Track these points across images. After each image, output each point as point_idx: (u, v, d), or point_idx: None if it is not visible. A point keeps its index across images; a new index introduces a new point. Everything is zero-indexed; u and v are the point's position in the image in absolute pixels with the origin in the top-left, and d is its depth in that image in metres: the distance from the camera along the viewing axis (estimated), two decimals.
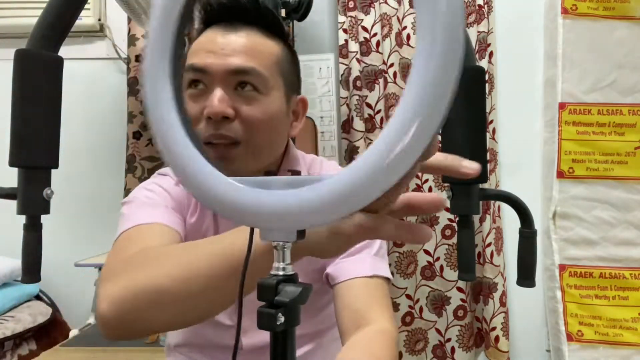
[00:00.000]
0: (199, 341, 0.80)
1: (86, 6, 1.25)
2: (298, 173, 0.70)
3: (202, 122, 0.65)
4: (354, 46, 1.60)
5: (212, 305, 0.50)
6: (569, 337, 1.52)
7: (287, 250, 0.37)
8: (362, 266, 0.72)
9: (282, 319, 0.33)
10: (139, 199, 0.71)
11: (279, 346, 0.35)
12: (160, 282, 0.48)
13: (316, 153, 1.54)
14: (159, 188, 0.74)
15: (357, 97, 1.60)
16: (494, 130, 1.63)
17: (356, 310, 0.69)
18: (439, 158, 0.38)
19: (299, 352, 0.74)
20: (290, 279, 0.35)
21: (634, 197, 1.54)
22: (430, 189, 1.62)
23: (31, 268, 0.56)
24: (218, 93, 0.64)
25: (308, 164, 0.83)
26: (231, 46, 0.67)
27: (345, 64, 1.62)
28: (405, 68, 1.61)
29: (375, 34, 1.61)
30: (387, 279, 0.74)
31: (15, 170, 0.55)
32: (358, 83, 1.60)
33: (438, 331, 1.63)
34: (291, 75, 0.73)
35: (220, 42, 0.67)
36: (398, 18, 1.62)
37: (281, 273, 0.36)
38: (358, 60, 1.60)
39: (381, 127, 1.60)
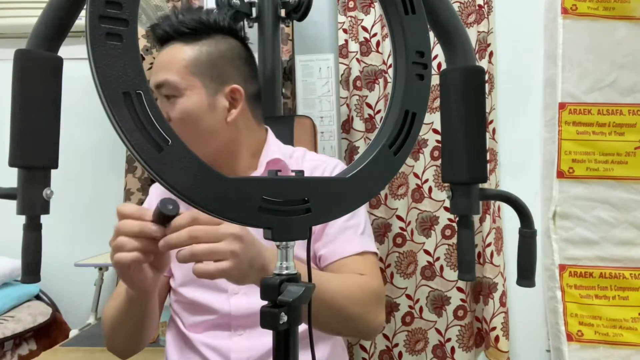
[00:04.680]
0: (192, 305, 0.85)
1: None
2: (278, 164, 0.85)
3: None
4: (354, 46, 1.60)
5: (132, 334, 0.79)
6: (569, 337, 1.52)
7: (290, 249, 0.37)
8: (352, 245, 0.82)
9: (285, 318, 0.33)
10: None
11: (282, 345, 0.35)
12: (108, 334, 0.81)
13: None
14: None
15: (357, 97, 1.60)
16: (494, 130, 1.63)
17: None
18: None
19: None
20: (293, 278, 0.35)
21: (634, 197, 1.54)
22: (430, 189, 1.62)
23: (31, 268, 0.56)
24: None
25: (288, 154, 0.90)
26: (154, 65, 0.83)
27: (345, 64, 1.62)
28: None
29: (375, 34, 1.61)
30: (375, 254, 0.85)
31: (15, 170, 0.55)
32: (358, 83, 1.60)
33: (438, 331, 1.63)
34: (214, 70, 0.82)
35: (154, 63, 0.84)
36: None
37: (284, 272, 0.36)
38: (358, 60, 1.60)
39: None
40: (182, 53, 0.81)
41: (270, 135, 0.93)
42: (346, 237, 0.82)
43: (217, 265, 0.55)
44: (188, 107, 0.80)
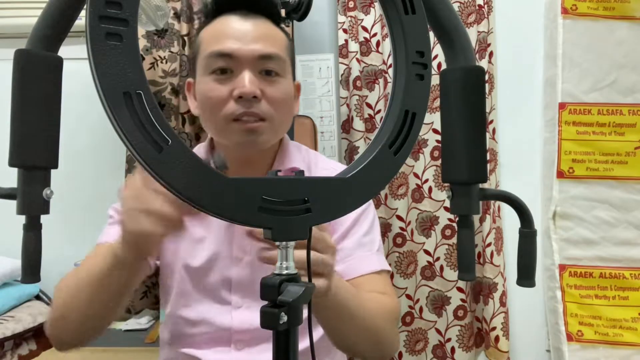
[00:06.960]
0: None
1: None
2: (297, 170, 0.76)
3: (230, 102, 0.70)
4: (354, 46, 1.60)
5: (96, 312, 0.68)
6: (569, 337, 1.52)
7: (290, 249, 0.37)
8: (370, 263, 0.80)
9: (284, 319, 0.33)
10: (110, 215, 0.85)
11: (282, 345, 0.35)
12: (61, 309, 0.70)
13: None
14: None
15: (357, 97, 1.60)
16: (494, 130, 1.63)
17: None
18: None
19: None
20: (293, 278, 0.35)
21: (634, 197, 1.54)
22: (430, 189, 1.62)
23: (31, 268, 0.56)
24: (247, 75, 0.70)
25: (302, 155, 0.87)
26: (253, 33, 0.72)
27: (345, 64, 1.62)
28: None
29: (375, 34, 1.61)
30: (388, 271, 0.84)
31: (15, 170, 0.55)
32: (358, 83, 1.60)
33: (438, 331, 1.63)
34: (294, 60, 0.81)
35: (241, 29, 0.72)
36: None
37: (284, 272, 0.36)
38: (358, 60, 1.60)
39: None
40: (281, 34, 0.76)
41: (286, 137, 0.88)
42: (363, 253, 0.80)
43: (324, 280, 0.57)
44: (288, 90, 0.75)
